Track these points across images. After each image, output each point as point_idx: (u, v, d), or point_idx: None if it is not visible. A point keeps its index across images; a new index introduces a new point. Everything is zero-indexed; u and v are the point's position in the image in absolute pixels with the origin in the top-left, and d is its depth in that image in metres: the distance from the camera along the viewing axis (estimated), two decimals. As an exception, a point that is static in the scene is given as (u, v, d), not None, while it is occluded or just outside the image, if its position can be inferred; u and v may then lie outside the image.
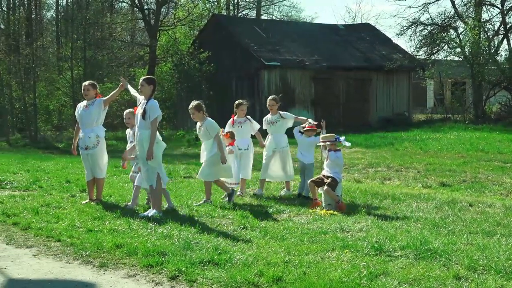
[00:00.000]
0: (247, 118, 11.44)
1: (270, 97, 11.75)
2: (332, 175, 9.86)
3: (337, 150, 10.11)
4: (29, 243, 7.41)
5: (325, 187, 9.70)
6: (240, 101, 11.59)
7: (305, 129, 11.23)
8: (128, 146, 10.19)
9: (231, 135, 10.94)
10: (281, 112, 11.52)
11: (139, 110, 9.18)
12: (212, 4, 49.71)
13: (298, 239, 7.38)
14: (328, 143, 10.10)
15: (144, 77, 9.51)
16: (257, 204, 10.09)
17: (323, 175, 10.01)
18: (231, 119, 11.42)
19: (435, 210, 9.46)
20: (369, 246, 6.89)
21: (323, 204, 9.76)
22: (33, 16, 39.91)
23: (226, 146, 10.65)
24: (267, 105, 11.65)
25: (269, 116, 11.62)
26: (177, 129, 34.34)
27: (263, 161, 11.56)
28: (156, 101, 9.25)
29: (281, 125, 11.49)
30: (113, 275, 6.09)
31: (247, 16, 53.26)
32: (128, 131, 10.35)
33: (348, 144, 10.47)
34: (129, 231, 7.86)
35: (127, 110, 10.27)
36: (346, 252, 6.69)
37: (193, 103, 10.30)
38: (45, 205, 9.86)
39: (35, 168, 16.06)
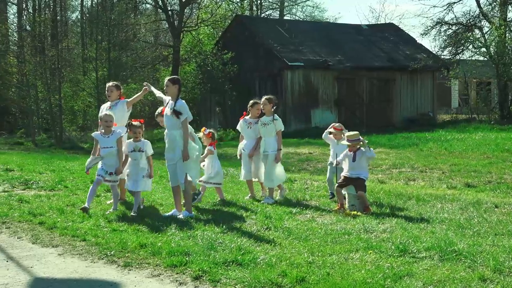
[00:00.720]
0: (260, 120, 10.94)
1: (264, 97, 11.01)
2: (360, 177, 9.77)
3: (359, 149, 9.95)
4: (55, 242, 7.49)
5: (359, 191, 9.63)
6: (256, 100, 11.10)
7: (332, 131, 10.97)
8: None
9: (212, 136, 10.77)
10: (276, 116, 10.84)
11: (167, 111, 9.21)
12: (236, 5, 49.82)
13: (322, 239, 7.36)
14: (351, 142, 9.97)
15: (168, 78, 9.53)
16: (280, 205, 10.08)
17: (345, 176, 9.90)
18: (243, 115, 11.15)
19: (460, 211, 9.38)
20: (393, 247, 6.85)
21: (347, 205, 9.73)
22: (58, 17, 40.38)
23: (207, 146, 10.57)
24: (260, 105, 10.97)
25: (262, 117, 10.94)
26: (200, 130, 34.43)
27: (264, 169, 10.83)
28: (184, 101, 9.26)
29: (272, 128, 10.74)
30: (137, 275, 6.12)
31: (270, 17, 53.28)
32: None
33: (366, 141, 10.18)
34: (153, 231, 7.90)
35: (108, 112, 9.76)
36: (370, 253, 6.67)
37: (159, 110, 10.09)
38: (70, 205, 9.95)
39: (60, 168, 16.19)
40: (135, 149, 9.50)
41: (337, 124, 11.04)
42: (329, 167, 11.07)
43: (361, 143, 9.91)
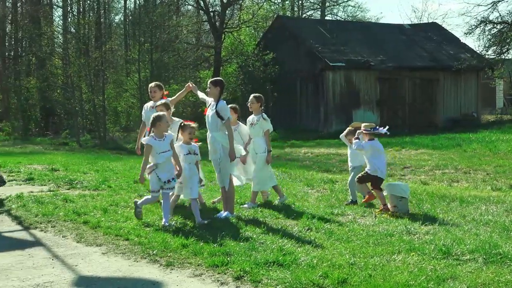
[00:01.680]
0: (238, 123, 10.35)
1: (252, 95, 10.56)
2: (369, 173, 9.86)
3: (372, 139, 9.92)
4: (99, 241, 7.59)
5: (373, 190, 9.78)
6: (233, 105, 10.43)
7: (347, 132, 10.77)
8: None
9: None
10: (264, 115, 10.21)
11: (209, 112, 9.24)
12: (277, 5, 49.82)
13: (364, 241, 7.32)
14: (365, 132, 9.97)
15: (210, 80, 9.56)
16: (322, 206, 10.05)
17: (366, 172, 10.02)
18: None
19: (505, 213, 9.22)
20: (437, 249, 6.77)
21: (389, 206, 9.64)
22: (102, 20, 40.98)
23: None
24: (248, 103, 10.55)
25: (251, 116, 10.42)
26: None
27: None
28: (225, 102, 9.28)
29: (259, 128, 10.18)
30: (179, 274, 6.17)
31: (312, 17, 53.12)
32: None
33: (384, 131, 9.91)
34: (195, 230, 7.95)
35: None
36: (413, 255, 6.60)
37: (161, 101, 9.91)
38: (113, 205, 10.07)
39: (104, 168, 16.42)
40: (190, 151, 8.83)
41: (354, 123, 10.93)
42: (350, 172, 10.98)
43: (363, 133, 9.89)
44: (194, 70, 40.34)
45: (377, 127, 9.96)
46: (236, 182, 9.48)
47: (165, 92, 10.58)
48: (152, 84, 10.66)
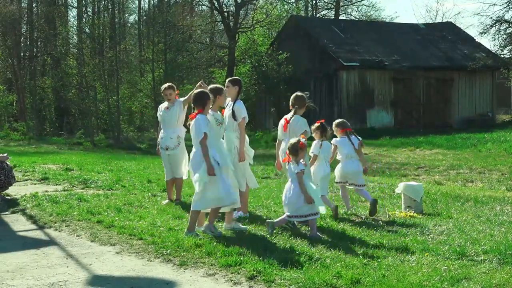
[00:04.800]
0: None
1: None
2: None
3: None
4: (113, 240, 7.61)
5: None
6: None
7: None
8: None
9: None
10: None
11: (226, 112, 9.20)
12: (291, 5, 49.79)
13: (377, 241, 7.30)
14: None
15: (229, 79, 9.52)
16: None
17: None
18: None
19: (520, 214, 9.16)
20: (451, 250, 6.75)
21: (403, 207, 9.60)
22: (116, 20, 41.09)
23: None
24: None
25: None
26: (255, 130, 34.60)
27: None
28: (242, 101, 9.24)
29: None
30: (192, 274, 6.18)
31: (326, 17, 53.02)
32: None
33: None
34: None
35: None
36: (427, 255, 6.57)
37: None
38: (127, 204, 10.09)
39: (118, 168, 16.47)
40: None
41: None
42: None
43: None
44: (207, 70, 40.37)
45: None
46: (251, 185, 9.44)
47: (176, 92, 10.60)
48: (166, 86, 10.56)
